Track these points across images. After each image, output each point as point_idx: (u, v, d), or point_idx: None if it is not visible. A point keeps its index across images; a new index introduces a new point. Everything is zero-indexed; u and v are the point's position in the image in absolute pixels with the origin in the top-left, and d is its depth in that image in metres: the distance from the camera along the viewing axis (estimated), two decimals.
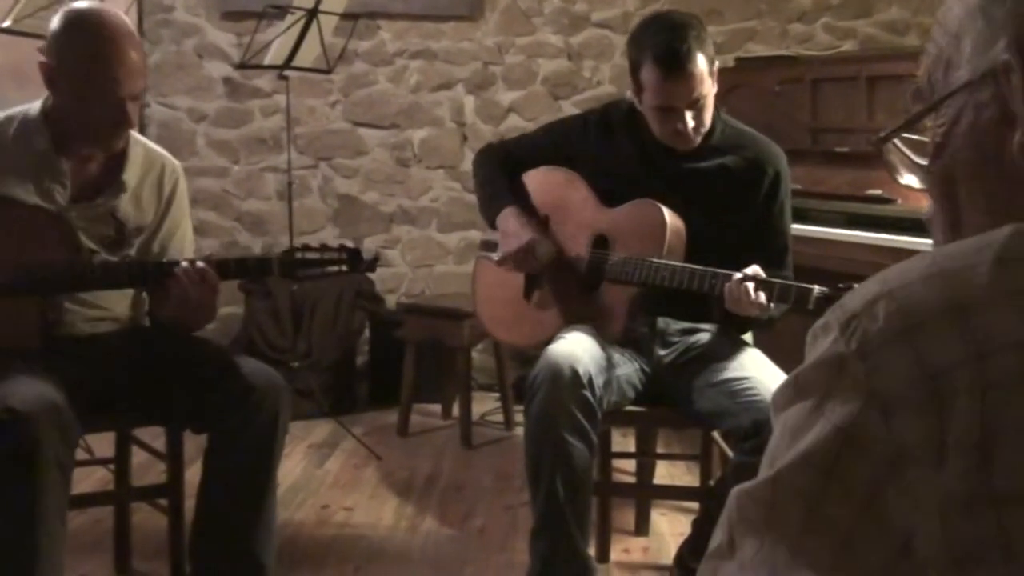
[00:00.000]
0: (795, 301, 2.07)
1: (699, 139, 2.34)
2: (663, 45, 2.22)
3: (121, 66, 2.13)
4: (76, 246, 2.20)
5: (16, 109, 2.28)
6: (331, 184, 4.64)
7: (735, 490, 0.71)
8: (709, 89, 2.27)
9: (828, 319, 0.69)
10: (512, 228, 2.43)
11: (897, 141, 0.81)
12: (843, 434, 0.65)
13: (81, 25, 2.15)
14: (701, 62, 2.23)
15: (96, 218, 2.26)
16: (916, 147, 0.80)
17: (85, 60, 2.13)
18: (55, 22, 2.18)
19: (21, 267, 2.12)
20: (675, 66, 2.22)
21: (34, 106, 2.26)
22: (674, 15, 2.34)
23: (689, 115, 2.27)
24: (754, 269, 2.14)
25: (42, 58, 2.16)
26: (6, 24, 3.27)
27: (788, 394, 0.70)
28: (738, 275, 2.13)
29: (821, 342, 0.69)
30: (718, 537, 0.72)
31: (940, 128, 0.76)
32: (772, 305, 2.10)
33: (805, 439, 0.67)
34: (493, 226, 2.52)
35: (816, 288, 2.03)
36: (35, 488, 1.92)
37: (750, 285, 2.11)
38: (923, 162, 0.79)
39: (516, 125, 4.56)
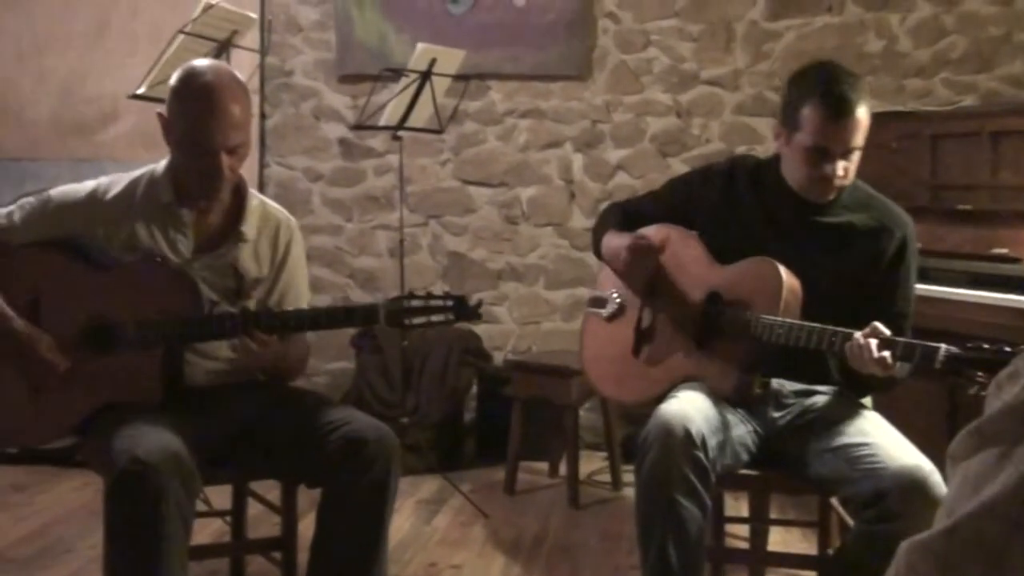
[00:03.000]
0: (920, 359, 2.00)
1: (837, 192, 2.34)
2: (835, 87, 2.24)
3: (216, 118, 2.18)
4: (199, 298, 2.27)
5: (146, 168, 2.39)
6: (441, 241, 4.71)
7: (905, 544, 0.67)
8: (861, 144, 2.28)
9: (1016, 366, 0.66)
10: (615, 241, 2.53)
11: None
12: None
13: (190, 76, 2.23)
14: (863, 113, 2.25)
15: (217, 269, 2.34)
16: None
17: (184, 109, 2.21)
18: (174, 76, 2.28)
19: (146, 321, 2.21)
20: (843, 108, 2.23)
21: (161, 163, 2.36)
22: (841, 65, 2.36)
23: (840, 163, 2.27)
24: (877, 327, 2.08)
25: (161, 110, 2.27)
26: (140, 91, 3.45)
27: (971, 443, 0.67)
28: (860, 333, 2.08)
29: (1008, 390, 0.65)
30: None
31: None
32: (897, 365, 2.04)
33: (990, 488, 0.63)
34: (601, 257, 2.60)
35: (943, 347, 1.96)
36: (158, 537, 1.97)
37: (873, 342, 2.05)
38: None
39: (624, 183, 4.56)
